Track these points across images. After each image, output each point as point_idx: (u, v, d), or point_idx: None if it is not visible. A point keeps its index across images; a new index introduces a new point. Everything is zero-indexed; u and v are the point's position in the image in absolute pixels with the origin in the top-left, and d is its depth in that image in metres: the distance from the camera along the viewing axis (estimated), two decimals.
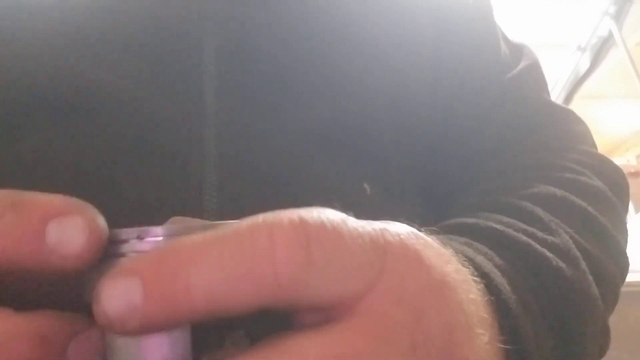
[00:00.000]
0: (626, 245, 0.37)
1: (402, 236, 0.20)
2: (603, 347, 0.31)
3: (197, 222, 0.20)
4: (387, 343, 0.17)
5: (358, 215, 0.20)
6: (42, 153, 0.33)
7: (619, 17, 2.41)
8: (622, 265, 0.35)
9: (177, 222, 0.20)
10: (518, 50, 0.48)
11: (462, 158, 0.42)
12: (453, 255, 0.22)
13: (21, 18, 0.36)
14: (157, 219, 0.31)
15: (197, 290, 0.16)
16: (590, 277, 0.30)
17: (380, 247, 0.18)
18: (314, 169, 0.35)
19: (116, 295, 0.16)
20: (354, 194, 0.35)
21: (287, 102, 0.36)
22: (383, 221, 0.20)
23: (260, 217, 0.17)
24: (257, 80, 0.36)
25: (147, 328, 0.16)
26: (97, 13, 0.36)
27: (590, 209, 0.34)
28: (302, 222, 0.17)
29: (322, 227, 0.17)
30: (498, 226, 0.30)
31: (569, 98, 2.79)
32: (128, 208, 0.32)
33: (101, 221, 0.18)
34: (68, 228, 0.17)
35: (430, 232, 0.22)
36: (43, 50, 0.35)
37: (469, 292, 0.21)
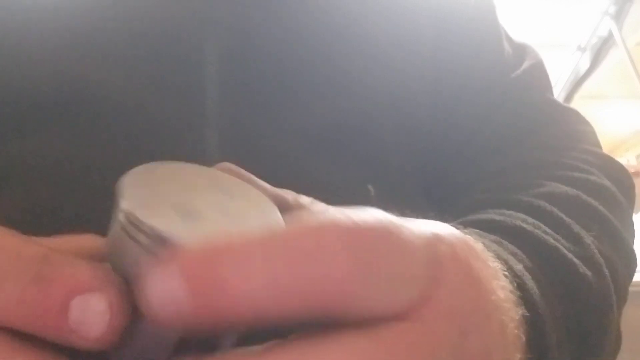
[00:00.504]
0: (633, 245, 0.37)
1: (456, 247, 0.19)
2: (615, 352, 0.31)
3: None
4: (426, 353, 0.16)
5: None
6: (44, 153, 0.33)
7: (619, 17, 2.40)
8: (631, 266, 0.35)
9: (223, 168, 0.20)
10: (521, 50, 0.48)
11: (465, 157, 0.42)
12: (499, 269, 0.22)
13: (25, 19, 0.36)
14: None
15: (243, 296, 0.15)
16: (612, 285, 0.30)
17: (435, 256, 0.18)
18: (318, 171, 0.35)
19: (164, 294, 0.15)
20: (358, 195, 0.35)
21: (289, 103, 0.36)
22: (432, 222, 0.19)
23: (314, 219, 0.16)
24: (259, 82, 0.36)
25: (191, 328, 0.15)
26: (99, 15, 0.36)
27: (602, 209, 0.34)
28: (357, 227, 0.16)
29: (377, 237, 0.16)
30: (527, 226, 0.29)
31: (569, 98, 2.79)
32: None
33: (124, 301, 0.17)
34: (90, 309, 0.16)
35: (477, 237, 0.22)
36: (46, 52, 0.35)
37: (510, 310, 0.21)
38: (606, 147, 0.45)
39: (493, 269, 0.21)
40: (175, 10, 0.37)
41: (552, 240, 0.29)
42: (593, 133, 0.45)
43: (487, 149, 0.41)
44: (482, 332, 0.18)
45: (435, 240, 0.18)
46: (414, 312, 0.17)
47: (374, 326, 0.16)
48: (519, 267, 0.25)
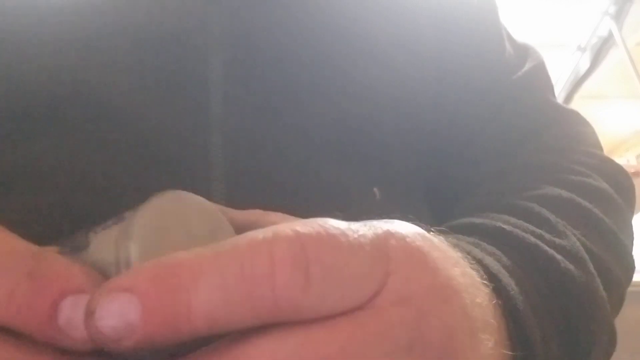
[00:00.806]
0: (632, 248, 0.37)
1: (407, 239, 0.19)
2: (609, 350, 0.31)
3: (190, 198, 0.20)
4: (384, 338, 0.17)
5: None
6: (48, 157, 0.33)
7: (619, 17, 2.40)
8: (628, 268, 0.35)
9: (168, 197, 0.20)
10: (523, 51, 0.48)
11: (466, 159, 0.42)
12: (461, 257, 0.22)
13: (28, 24, 0.36)
14: None
15: (197, 311, 0.15)
16: (598, 280, 0.30)
17: (383, 253, 0.18)
18: (323, 175, 0.35)
19: (112, 314, 0.15)
20: (364, 199, 0.35)
21: (293, 108, 0.36)
22: (389, 221, 0.20)
23: (260, 234, 0.17)
24: (263, 85, 0.36)
25: (142, 346, 0.15)
26: (103, 20, 0.36)
27: (596, 211, 0.34)
28: (301, 241, 0.17)
29: (321, 245, 0.17)
30: (506, 226, 0.30)
31: (569, 98, 2.79)
32: None
33: None
34: (80, 310, 0.16)
35: (440, 233, 0.22)
36: (50, 56, 0.35)
37: (475, 295, 0.21)
38: (606, 147, 0.45)
39: (453, 258, 0.21)
40: (178, 14, 0.37)
41: (532, 238, 0.29)
42: (593, 135, 0.45)
43: (487, 150, 0.41)
44: (442, 314, 0.18)
45: (385, 236, 0.19)
46: (367, 303, 0.17)
47: (327, 320, 0.17)
48: (495, 267, 0.25)
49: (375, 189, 0.36)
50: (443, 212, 0.40)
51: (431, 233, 0.21)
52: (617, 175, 0.40)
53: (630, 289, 0.35)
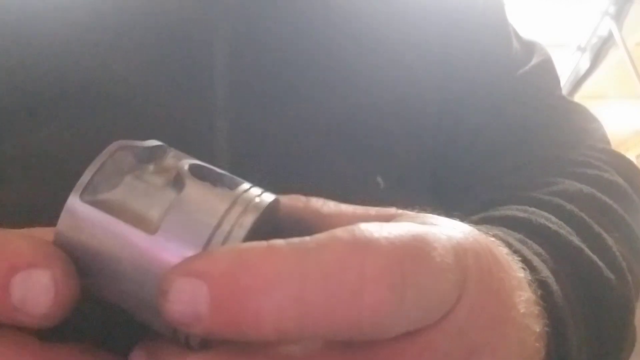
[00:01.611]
0: None
1: (480, 259, 0.18)
2: (629, 353, 0.31)
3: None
4: None
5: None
6: (52, 147, 0.33)
7: (618, 17, 2.41)
8: None
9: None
10: (530, 47, 0.48)
11: (473, 153, 0.42)
12: (523, 278, 0.21)
13: (34, 14, 0.36)
14: None
15: (268, 318, 0.14)
16: (633, 288, 0.29)
17: (462, 271, 0.17)
18: (327, 163, 0.35)
19: (182, 300, 0.14)
20: (367, 187, 0.35)
21: (299, 96, 0.36)
22: (457, 227, 0.19)
23: (351, 241, 0.15)
24: (268, 76, 0.36)
25: (211, 336, 0.15)
26: (108, 10, 0.36)
27: (616, 207, 0.34)
28: (398, 258, 0.15)
29: (417, 263, 0.15)
30: (551, 226, 0.29)
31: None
32: None
33: (72, 276, 0.16)
34: (33, 285, 0.16)
35: (502, 236, 0.21)
36: (55, 46, 0.35)
37: (531, 325, 0.20)
38: None
39: (517, 280, 0.20)
40: (184, 5, 0.37)
41: (576, 242, 0.28)
42: (602, 130, 0.45)
43: (495, 145, 0.41)
44: (496, 349, 0.18)
45: (464, 254, 0.17)
46: (426, 329, 0.16)
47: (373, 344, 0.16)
48: (544, 272, 0.25)
49: (378, 178, 0.36)
50: (450, 202, 0.39)
51: (489, 236, 0.20)
52: (629, 170, 0.40)
53: None
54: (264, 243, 0.15)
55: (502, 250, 0.21)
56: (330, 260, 0.15)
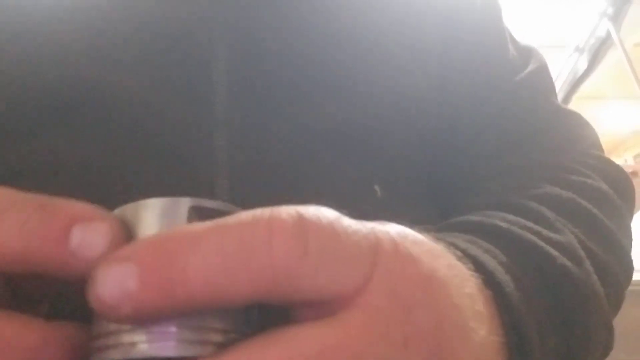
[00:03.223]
0: (631, 249, 0.37)
1: (391, 233, 0.20)
2: (607, 347, 0.31)
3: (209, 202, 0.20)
4: (381, 337, 0.17)
5: (369, 218, 0.20)
6: (54, 154, 0.33)
7: (616, 18, 2.41)
8: (627, 268, 0.35)
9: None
10: (526, 53, 0.48)
11: (468, 158, 0.42)
12: (445, 250, 0.23)
13: (35, 21, 0.36)
14: None
15: (195, 276, 0.16)
16: (595, 277, 0.30)
17: (372, 243, 0.19)
18: (326, 171, 0.35)
19: (110, 281, 0.16)
20: (365, 196, 0.35)
21: (297, 103, 0.36)
22: (378, 221, 0.20)
23: (260, 210, 0.17)
24: (268, 82, 0.36)
25: (141, 314, 0.16)
26: (109, 17, 0.37)
27: (595, 211, 0.34)
28: (300, 216, 0.17)
29: (318, 222, 0.18)
30: (502, 224, 0.30)
31: (567, 99, 2.80)
32: None
33: (124, 231, 0.18)
34: (91, 232, 0.17)
35: (423, 230, 0.23)
36: (56, 53, 0.35)
37: (463, 286, 0.21)
38: (604, 148, 0.45)
39: (437, 250, 0.22)
40: (184, 11, 0.37)
41: (528, 235, 0.29)
42: (594, 136, 0.45)
43: (489, 150, 0.42)
44: (429, 305, 0.19)
45: (372, 230, 0.19)
46: (358, 296, 0.18)
47: (327, 318, 0.17)
48: (490, 264, 0.26)
49: (376, 187, 0.36)
50: (445, 211, 0.40)
51: (414, 230, 0.22)
52: (617, 177, 0.41)
53: (629, 288, 0.36)
54: (184, 225, 0.17)
55: (420, 234, 0.22)
56: (244, 221, 0.17)
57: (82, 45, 0.36)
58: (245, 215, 0.17)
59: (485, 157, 0.42)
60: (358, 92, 0.38)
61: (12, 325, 0.17)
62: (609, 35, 2.46)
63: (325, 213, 0.18)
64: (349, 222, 0.19)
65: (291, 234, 0.17)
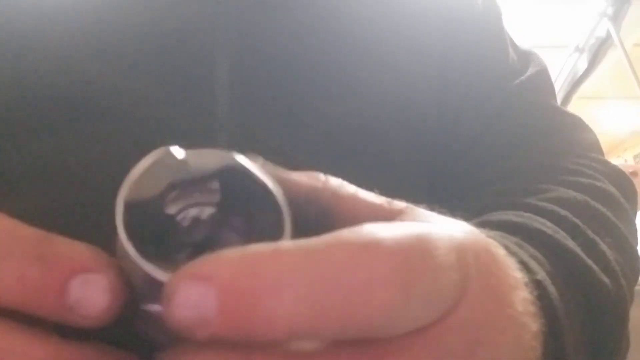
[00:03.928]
0: (637, 252, 0.37)
1: (480, 258, 0.19)
2: (623, 356, 0.31)
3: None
4: None
5: None
6: (58, 155, 0.33)
7: (616, 18, 2.41)
8: (636, 272, 0.35)
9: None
10: (526, 57, 0.48)
11: (469, 161, 0.42)
12: (521, 278, 0.22)
13: (38, 22, 0.36)
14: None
15: (279, 321, 0.14)
16: (627, 293, 0.30)
17: (463, 270, 0.18)
18: (325, 171, 0.35)
19: (188, 304, 0.14)
20: None
21: (298, 105, 0.37)
22: (459, 227, 0.20)
23: (359, 242, 0.15)
24: (268, 84, 0.37)
25: (217, 341, 0.15)
26: (111, 18, 0.37)
27: (609, 215, 0.34)
28: (405, 257, 0.16)
29: (423, 261, 0.16)
30: (547, 230, 0.29)
31: (567, 99, 2.80)
32: None
33: (125, 283, 0.17)
34: (90, 287, 0.17)
35: (500, 239, 0.22)
36: (59, 54, 0.35)
37: (528, 324, 0.20)
38: (604, 148, 0.45)
39: (514, 279, 0.21)
40: (185, 13, 0.37)
41: (571, 246, 0.29)
42: (596, 140, 0.45)
43: (491, 151, 0.42)
44: (494, 344, 0.18)
45: (465, 253, 0.18)
46: (431, 329, 0.17)
47: (382, 341, 0.16)
48: (541, 274, 0.25)
49: (375, 190, 0.36)
50: (447, 211, 0.40)
51: (489, 237, 0.21)
52: (621, 179, 0.41)
53: None
54: (270, 245, 0.15)
55: (500, 251, 0.21)
56: (339, 261, 0.15)
57: (83, 47, 0.36)
58: (345, 246, 0.15)
59: (486, 160, 0.41)
60: (359, 96, 0.38)
61: (23, 337, 0.17)
62: (609, 35, 2.46)
63: (428, 243, 0.17)
64: (442, 244, 0.17)
65: (395, 281, 0.15)
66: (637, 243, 0.38)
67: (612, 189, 0.38)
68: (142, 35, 0.36)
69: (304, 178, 0.22)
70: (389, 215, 0.21)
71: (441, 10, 0.45)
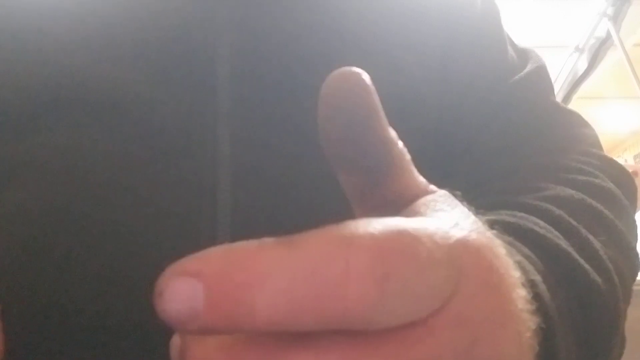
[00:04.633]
0: (636, 248, 0.37)
1: (480, 254, 0.19)
2: (619, 356, 0.31)
3: None
4: None
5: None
6: (56, 150, 0.34)
7: (616, 18, 2.41)
8: (635, 270, 0.35)
9: None
10: (525, 55, 0.48)
11: (469, 159, 0.42)
12: (519, 277, 0.21)
13: (41, 19, 0.37)
14: (169, 221, 0.32)
15: (261, 311, 0.15)
16: (621, 291, 0.30)
17: (456, 266, 0.18)
18: (328, 171, 0.36)
19: (178, 298, 0.15)
20: None
21: (299, 102, 0.37)
22: (461, 220, 0.19)
23: (337, 238, 0.16)
24: (270, 80, 0.37)
25: (206, 332, 0.16)
26: (112, 14, 0.37)
27: (606, 212, 0.34)
28: (381, 253, 0.16)
29: (401, 258, 0.16)
30: (539, 230, 0.29)
31: (567, 99, 2.80)
32: (141, 209, 0.32)
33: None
34: None
35: (500, 237, 0.22)
36: (59, 50, 0.35)
37: (527, 321, 0.20)
38: (604, 148, 0.45)
39: (514, 278, 0.21)
40: (187, 7, 0.38)
41: (564, 245, 0.29)
42: (595, 136, 0.45)
43: (493, 150, 0.42)
44: (495, 340, 0.18)
45: (459, 249, 0.18)
46: (425, 320, 0.17)
47: (378, 333, 0.16)
48: (533, 274, 0.25)
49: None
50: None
51: (497, 242, 0.21)
52: (620, 176, 0.41)
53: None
54: (255, 241, 0.16)
55: (501, 250, 0.21)
56: (316, 255, 0.15)
57: (83, 41, 0.36)
58: (320, 244, 0.16)
59: (487, 156, 0.42)
60: None
61: None
62: (609, 35, 2.46)
63: (409, 240, 0.17)
64: (430, 240, 0.17)
65: (369, 276, 0.15)
66: (636, 240, 0.38)
67: (610, 185, 0.37)
68: (142, 26, 0.37)
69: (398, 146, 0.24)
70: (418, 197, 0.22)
71: (441, 10, 0.46)
